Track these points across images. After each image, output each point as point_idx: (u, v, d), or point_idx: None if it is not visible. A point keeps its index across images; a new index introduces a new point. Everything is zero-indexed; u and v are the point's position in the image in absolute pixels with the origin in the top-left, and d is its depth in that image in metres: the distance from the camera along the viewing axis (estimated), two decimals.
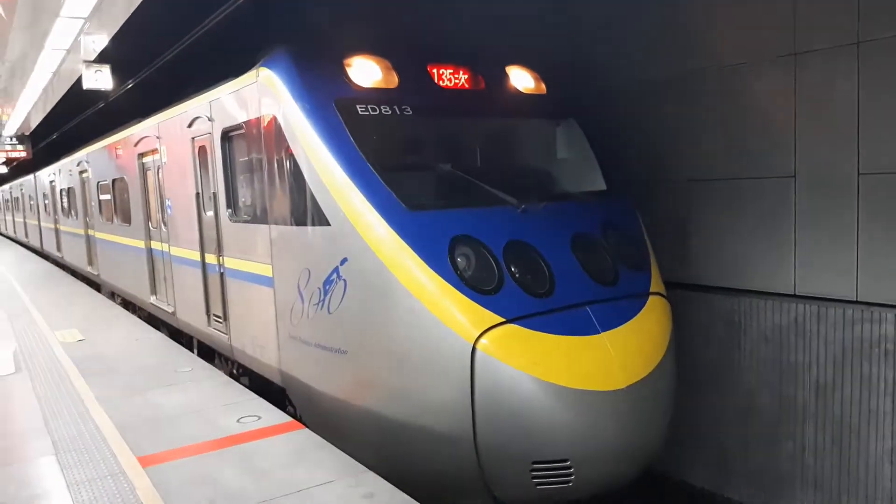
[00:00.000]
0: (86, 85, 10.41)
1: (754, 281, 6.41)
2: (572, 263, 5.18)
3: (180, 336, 9.25)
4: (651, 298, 5.37)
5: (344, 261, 5.07)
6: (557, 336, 4.66)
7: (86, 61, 10.07)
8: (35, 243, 24.77)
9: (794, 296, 6.10)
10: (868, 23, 5.29)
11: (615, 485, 4.68)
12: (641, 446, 4.68)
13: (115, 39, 9.12)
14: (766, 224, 6.24)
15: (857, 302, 5.62)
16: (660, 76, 6.93)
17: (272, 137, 5.83)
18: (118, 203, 11.74)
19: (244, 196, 6.77)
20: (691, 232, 6.90)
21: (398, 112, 5.51)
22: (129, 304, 12.22)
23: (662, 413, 4.90)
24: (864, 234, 5.53)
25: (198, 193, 7.77)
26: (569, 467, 4.46)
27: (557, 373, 4.49)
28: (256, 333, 6.56)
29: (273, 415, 5.64)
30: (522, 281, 4.88)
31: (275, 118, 5.73)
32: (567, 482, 4.47)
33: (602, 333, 4.79)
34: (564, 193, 6.09)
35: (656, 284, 5.57)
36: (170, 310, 9.25)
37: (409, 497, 4.04)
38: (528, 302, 4.79)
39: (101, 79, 10.31)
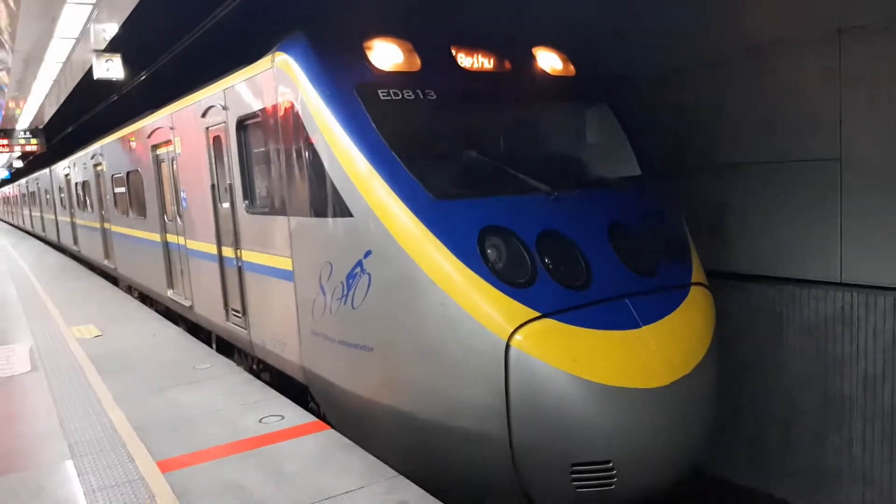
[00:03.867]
0: (96, 75, 10.20)
1: (796, 269, 6.10)
2: (609, 253, 4.90)
3: (199, 331, 9.07)
4: (693, 289, 5.07)
5: (368, 253, 4.82)
6: (596, 331, 4.39)
7: (96, 50, 9.84)
8: (52, 237, 24.80)
9: (840, 283, 5.78)
10: None
11: (659, 489, 4.41)
12: (687, 446, 4.41)
13: (126, 27, 8.87)
14: (810, 209, 5.92)
15: None
16: (695, 60, 6.58)
17: (290, 125, 5.57)
18: (133, 196, 11.58)
19: (261, 187, 6.53)
20: (729, 218, 6.58)
21: (422, 97, 5.22)
22: (146, 299, 12.09)
23: (708, 410, 4.62)
24: None
25: (213, 185, 7.55)
26: (611, 469, 4.20)
27: (597, 370, 4.22)
28: (277, 329, 6.34)
29: (296, 414, 5.42)
30: (557, 273, 4.61)
31: (292, 105, 5.47)
32: (608, 485, 4.21)
33: (643, 327, 4.51)
34: (598, 180, 5.78)
35: (698, 274, 5.28)
36: (187, 304, 9.08)
37: None
38: (563, 295, 4.52)
39: (112, 68, 10.09)
